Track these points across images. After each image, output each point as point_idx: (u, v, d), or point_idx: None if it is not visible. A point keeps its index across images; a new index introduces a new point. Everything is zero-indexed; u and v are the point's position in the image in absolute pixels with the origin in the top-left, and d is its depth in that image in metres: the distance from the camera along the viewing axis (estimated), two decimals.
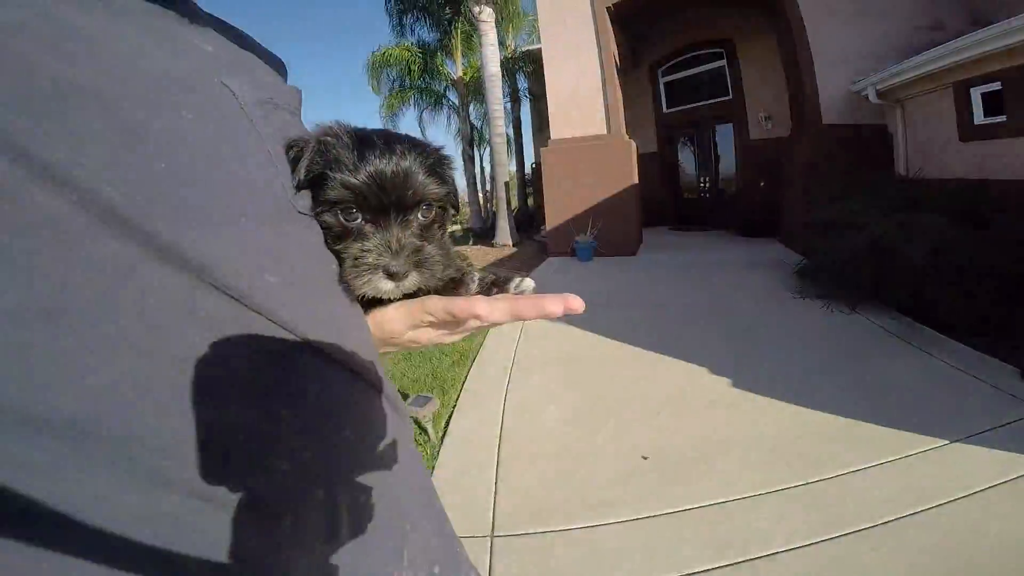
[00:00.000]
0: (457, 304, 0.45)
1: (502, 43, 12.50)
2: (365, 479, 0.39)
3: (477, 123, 15.38)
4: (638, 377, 3.57)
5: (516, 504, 2.27)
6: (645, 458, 2.56)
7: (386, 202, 0.46)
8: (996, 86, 5.01)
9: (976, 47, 4.89)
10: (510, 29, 13.43)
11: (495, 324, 0.47)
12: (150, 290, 0.28)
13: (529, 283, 0.52)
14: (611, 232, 8.08)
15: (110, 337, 0.26)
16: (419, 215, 0.49)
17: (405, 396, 3.30)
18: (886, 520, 1.98)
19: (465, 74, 13.87)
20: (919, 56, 5.74)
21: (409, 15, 12.74)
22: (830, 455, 2.44)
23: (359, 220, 0.46)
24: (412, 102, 14.66)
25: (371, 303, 0.49)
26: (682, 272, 6.82)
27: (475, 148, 15.15)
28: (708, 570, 1.82)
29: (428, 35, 13.46)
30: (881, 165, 6.62)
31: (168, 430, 0.28)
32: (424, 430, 2.88)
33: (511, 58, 13.53)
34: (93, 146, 0.27)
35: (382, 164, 0.45)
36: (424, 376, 3.76)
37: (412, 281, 0.46)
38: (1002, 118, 4.98)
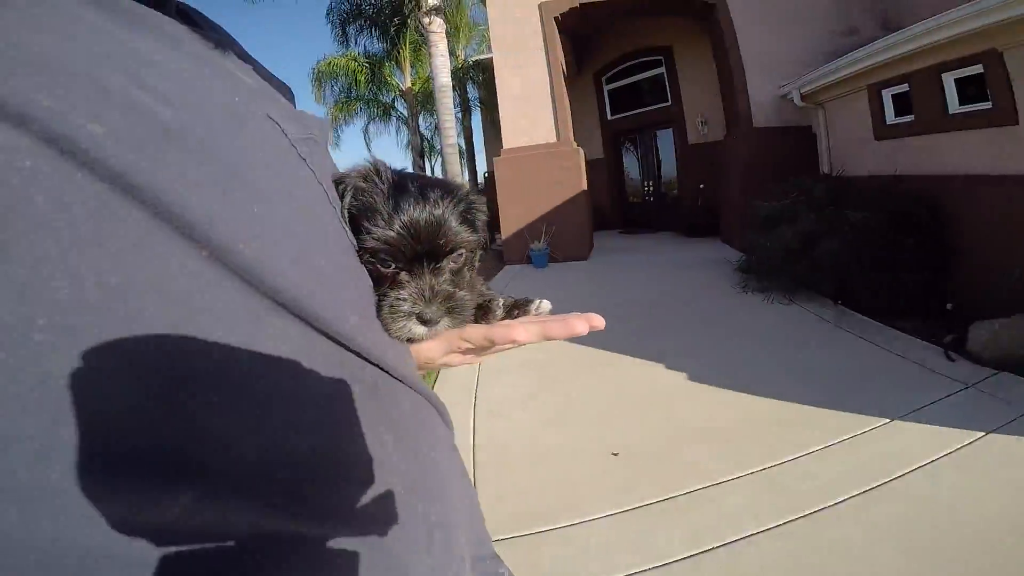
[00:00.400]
0: (497, 332, 0.49)
1: (452, 53, 12.50)
2: (443, 491, 0.42)
3: (427, 134, 15.34)
4: (602, 377, 3.68)
5: (493, 510, 2.28)
6: (615, 455, 2.66)
7: (420, 251, 0.48)
8: (904, 88, 5.41)
9: (884, 52, 5.27)
10: (460, 39, 13.45)
11: (524, 344, 0.52)
12: (279, 339, 0.28)
13: (547, 304, 0.56)
14: (564, 238, 8.29)
15: (257, 396, 0.27)
16: (451, 262, 0.51)
17: None
18: (844, 497, 2.13)
19: (414, 85, 13.74)
20: (835, 61, 6.16)
21: (353, 25, 12.51)
22: (784, 439, 2.60)
23: (393, 267, 0.48)
24: (359, 113, 14.45)
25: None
26: (632, 273, 7.08)
27: (426, 159, 15.11)
28: (691, 555, 1.92)
29: (375, 45, 13.31)
30: (808, 164, 7.06)
31: (312, 470, 0.29)
32: None
33: (461, 68, 13.56)
34: (210, 194, 0.26)
35: (416, 214, 0.47)
36: None
37: (443, 326, 0.49)
38: (910, 118, 5.38)
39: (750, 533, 2.00)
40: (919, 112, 5.23)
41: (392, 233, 0.46)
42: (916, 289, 4.46)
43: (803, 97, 6.99)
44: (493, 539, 2.06)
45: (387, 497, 0.34)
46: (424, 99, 13.75)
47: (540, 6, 8.23)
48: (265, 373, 0.27)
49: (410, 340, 0.50)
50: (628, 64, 11.49)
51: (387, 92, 14.45)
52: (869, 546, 1.89)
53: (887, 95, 5.72)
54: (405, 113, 14.50)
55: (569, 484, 2.46)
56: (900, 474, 2.25)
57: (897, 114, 5.65)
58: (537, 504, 2.32)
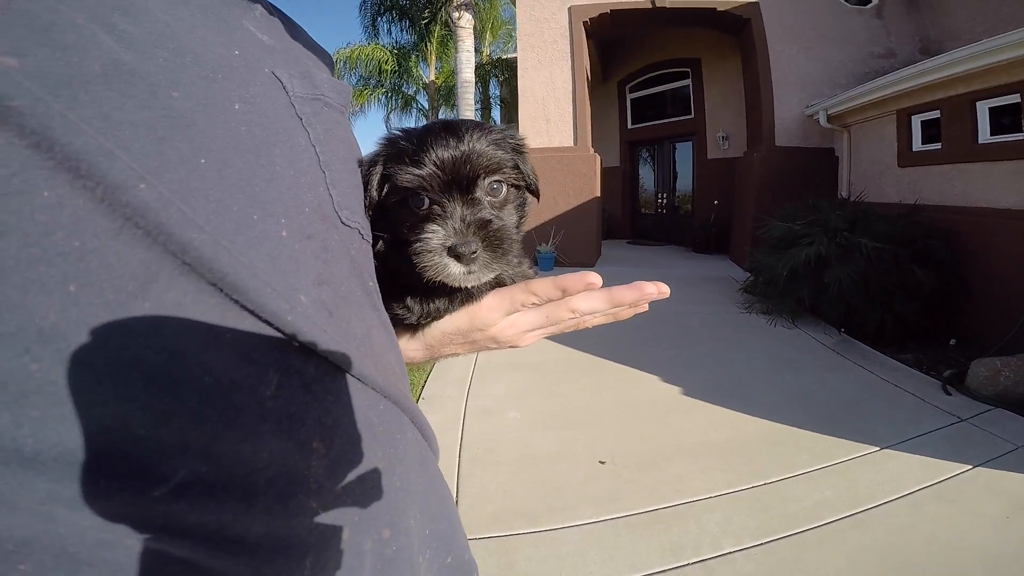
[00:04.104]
0: (569, 280, 0.45)
1: (477, 50, 12.53)
2: (392, 515, 0.36)
3: None
4: (596, 384, 3.67)
5: (477, 508, 2.29)
6: (602, 463, 2.65)
7: (448, 181, 0.45)
8: (935, 114, 5.27)
9: (920, 76, 5.16)
10: (487, 36, 13.48)
11: (593, 313, 0.49)
12: (172, 307, 0.25)
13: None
14: (572, 243, 8.23)
15: (122, 364, 0.23)
16: (487, 194, 0.48)
17: None
18: (827, 521, 2.13)
19: (437, 79, 13.81)
20: (867, 84, 6.05)
21: (385, 17, 12.63)
22: (773, 460, 2.59)
23: (426, 205, 0.46)
24: (381, 101, 14.50)
25: (463, 296, 0.49)
26: None
27: None
28: (665, 570, 1.91)
29: (403, 37, 13.42)
30: (826, 187, 6.94)
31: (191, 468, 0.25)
32: None
33: (485, 64, 13.59)
34: (133, 137, 0.24)
35: (440, 144, 0.45)
36: None
37: (483, 262, 0.45)
38: (937, 146, 5.26)
39: (728, 551, 1.98)
40: (948, 140, 5.10)
41: (418, 167, 0.44)
42: (922, 321, 4.42)
43: (830, 118, 6.87)
44: (472, 537, 2.04)
45: (293, 519, 0.28)
46: (446, 93, 13.80)
47: (570, 9, 8.17)
48: (143, 344, 0.23)
49: (454, 293, 0.48)
50: (654, 74, 11.39)
51: (410, 84, 14.52)
52: (847, 571, 1.87)
53: (916, 121, 5.60)
54: (426, 106, 14.56)
55: (554, 488, 2.45)
56: (884, 501, 2.25)
57: (924, 141, 5.53)
58: (519, 505, 2.32)
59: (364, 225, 0.42)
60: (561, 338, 4.48)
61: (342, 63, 13.42)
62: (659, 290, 0.48)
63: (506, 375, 3.84)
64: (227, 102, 0.30)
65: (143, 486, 0.24)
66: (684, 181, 11.57)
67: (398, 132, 0.49)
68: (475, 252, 0.44)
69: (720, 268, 8.11)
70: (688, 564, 1.93)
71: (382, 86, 14.16)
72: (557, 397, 3.48)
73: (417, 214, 0.46)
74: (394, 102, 14.59)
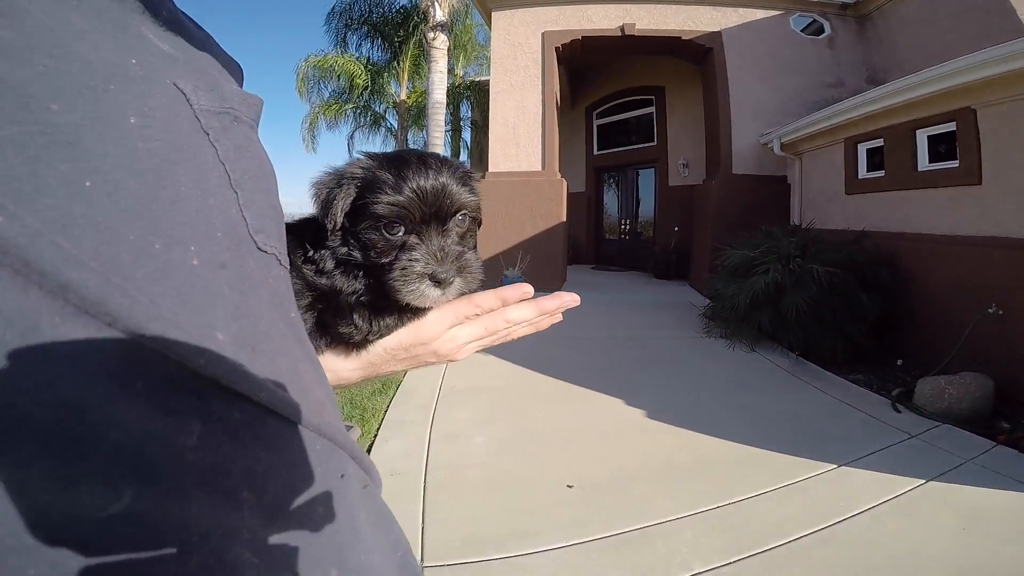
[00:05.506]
0: (508, 292, 0.50)
1: (451, 71, 12.58)
2: (339, 554, 0.34)
3: (415, 147, 15.40)
4: (561, 408, 3.66)
5: (444, 534, 2.23)
6: (570, 487, 2.62)
7: (428, 214, 0.49)
8: (879, 142, 5.55)
9: (864, 105, 5.44)
10: (461, 58, 13.54)
11: (523, 322, 0.54)
12: (64, 357, 0.21)
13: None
14: (538, 268, 8.26)
15: (10, 425, 0.20)
16: (456, 225, 0.52)
17: None
18: (791, 539, 2.17)
19: (409, 98, 13.77)
20: (816, 113, 6.36)
21: (356, 32, 12.49)
22: (736, 480, 2.63)
23: (401, 233, 0.49)
24: (349, 117, 14.29)
25: (411, 313, 0.53)
26: (601, 309, 7.11)
27: None
28: None
29: (376, 54, 13.30)
30: (780, 214, 7.22)
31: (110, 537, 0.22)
32: None
33: (458, 86, 13.63)
34: None
35: (421, 178, 0.49)
36: (341, 403, 3.59)
37: (456, 287, 0.50)
38: (880, 173, 5.52)
39: (698, 571, 1.98)
40: (890, 167, 5.36)
41: (401, 197, 0.48)
42: (871, 343, 4.64)
43: (783, 146, 7.16)
44: (437, 564, 1.97)
45: (232, 573, 0.26)
46: (416, 113, 13.78)
47: (543, 34, 8.38)
48: (33, 400, 0.20)
49: (418, 310, 0.51)
50: (620, 101, 11.72)
51: (380, 102, 14.42)
52: None
53: (862, 149, 5.87)
54: (395, 125, 14.50)
55: (521, 513, 2.40)
56: (846, 517, 2.32)
57: (869, 169, 5.79)
58: (488, 530, 2.26)
59: (281, 250, 0.38)
60: (526, 362, 4.50)
61: (312, 71, 13.11)
62: (573, 299, 0.55)
63: (471, 400, 3.78)
64: (120, 116, 0.26)
65: (57, 557, 0.21)
66: (646, 207, 11.85)
67: (366, 158, 0.52)
68: (452, 279, 0.49)
69: (680, 294, 8.31)
70: None
71: (351, 102, 13.99)
72: (523, 421, 3.45)
73: (391, 241, 0.49)
74: (363, 119, 14.46)
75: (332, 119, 14.13)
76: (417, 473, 2.72)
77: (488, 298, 0.52)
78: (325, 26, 12.55)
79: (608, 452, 3.00)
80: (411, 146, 14.70)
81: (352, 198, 0.49)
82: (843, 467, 2.76)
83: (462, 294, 0.51)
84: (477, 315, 0.53)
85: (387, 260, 0.49)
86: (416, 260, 0.48)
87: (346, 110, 14.07)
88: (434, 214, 0.50)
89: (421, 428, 3.29)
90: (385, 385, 3.96)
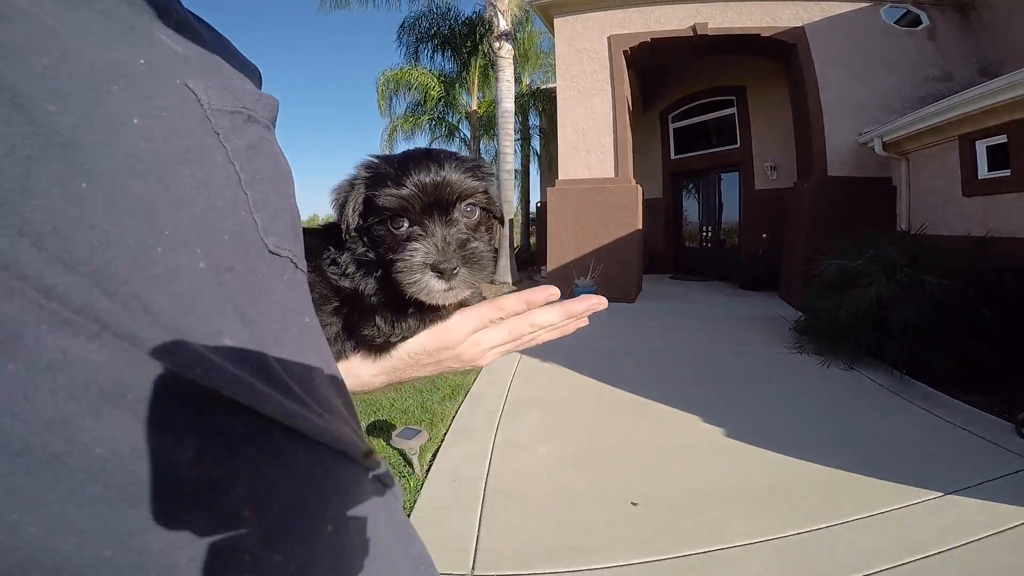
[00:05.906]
0: (533, 292, 0.49)
1: (517, 79, 12.73)
2: (351, 574, 0.32)
3: (487, 158, 15.76)
4: (631, 423, 3.52)
5: (499, 543, 2.20)
6: (634, 504, 2.50)
7: (428, 203, 0.49)
8: (1002, 139, 4.95)
9: (981, 100, 4.88)
10: (527, 66, 13.72)
11: (548, 326, 0.53)
12: (47, 367, 0.20)
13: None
14: (611, 277, 8.00)
15: None
16: (463, 216, 0.51)
17: (392, 427, 3.26)
18: (878, 570, 1.96)
19: (479, 108, 14.11)
20: (925, 108, 5.75)
21: (427, 45, 12.91)
22: (821, 506, 2.41)
23: (406, 227, 0.49)
24: (426, 129, 14.80)
25: (432, 315, 0.52)
26: (679, 322, 6.78)
27: None
28: None
29: (446, 66, 13.71)
30: (884, 219, 6.56)
31: (88, 561, 0.21)
32: (409, 463, 2.82)
33: (525, 94, 13.78)
34: None
35: (422, 170, 0.49)
36: (413, 408, 3.71)
37: (462, 278, 0.48)
38: (1007, 172, 4.90)
39: None
40: (1017, 166, 4.77)
41: (402, 188, 0.48)
42: (992, 362, 4.02)
43: (885, 146, 6.56)
44: (487, 574, 1.95)
45: None
46: (487, 122, 14.04)
47: (609, 38, 8.23)
48: (7, 414, 0.20)
49: (432, 309, 0.51)
50: (697, 103, 11.26)
51: (454, 113, 14.84)
52: None
53: (981, 146, 5.26)
54: (468, 135, 14.88)
55: (580, 527, 2.33)
56: (945, 548, 2.06)
57: (991, 168, 5.17)
58: (543, 542, 2.21)
59: (297, 253, 0.36)
60: (597, 374, 4.39)
61: (389, 85, 13.62)
62: (600, 302, 0.53)
63: (538, 409, 3.75)
64: (123, 116, 0.25)
65: None
66: (730, 213, 11.24)
67: (376, 158, 0.52)
68: (455, 268, 0.47)
69: (768, 306, 7.72)
70: None
71: (427, 113, 14.43)
72: (590, 434, 3.35)
73: (397, 236, 0.49)
74: (438, 131, 14.92)
75: (409, 131, 14.67)
76: (478, 480, 2.73)
77: (513, 301, 0.51)
78: (397, 40, 13.05)
79: (678, 470, 2.85)
80: (483, 157, 15.13)
81: (362, 198, 0.50)
82: (950, 495, 2.46)
83: (470, 285, 0.49)
84: (502, 319, 0.52)
85: (395, 255, 0.48)
86: (416, 250, 0.47)
87: (422, 122, 14.57)
88: (435, 203, 0.49)
89: (486, 435, 3.30)
90: (455, 391, 4.02)
